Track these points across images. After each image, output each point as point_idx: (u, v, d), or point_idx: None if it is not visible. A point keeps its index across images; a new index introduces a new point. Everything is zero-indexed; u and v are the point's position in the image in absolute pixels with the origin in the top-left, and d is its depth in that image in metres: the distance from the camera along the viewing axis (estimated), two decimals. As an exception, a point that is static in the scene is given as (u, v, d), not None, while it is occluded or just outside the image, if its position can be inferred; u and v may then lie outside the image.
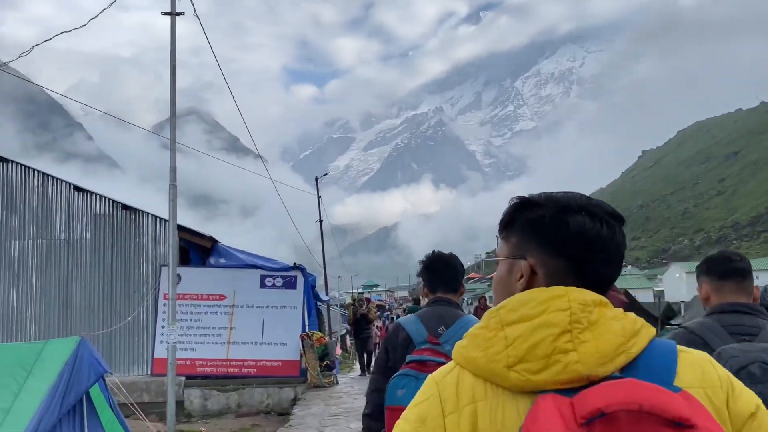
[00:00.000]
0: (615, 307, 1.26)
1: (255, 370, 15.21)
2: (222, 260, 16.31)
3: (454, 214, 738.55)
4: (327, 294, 31.19)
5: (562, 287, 1.24)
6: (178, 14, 12.70)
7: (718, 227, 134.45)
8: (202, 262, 16.36)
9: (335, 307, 39.70)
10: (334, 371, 16.77)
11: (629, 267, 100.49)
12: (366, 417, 3.34)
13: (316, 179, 35.84)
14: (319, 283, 25.40)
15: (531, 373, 1.16)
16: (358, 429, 6.54)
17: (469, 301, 48.66)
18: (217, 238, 16.62)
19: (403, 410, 1.33)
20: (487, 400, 1.21)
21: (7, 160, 15.70)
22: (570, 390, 1.14)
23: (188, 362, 14.98)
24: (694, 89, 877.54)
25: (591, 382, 1.14)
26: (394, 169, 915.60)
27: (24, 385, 7.66)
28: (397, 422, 1.31)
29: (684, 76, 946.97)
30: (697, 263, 3.11)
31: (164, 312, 14.58)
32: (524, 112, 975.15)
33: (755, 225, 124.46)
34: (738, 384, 1.24)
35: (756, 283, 2.98)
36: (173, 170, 12.31)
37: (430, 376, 1.33)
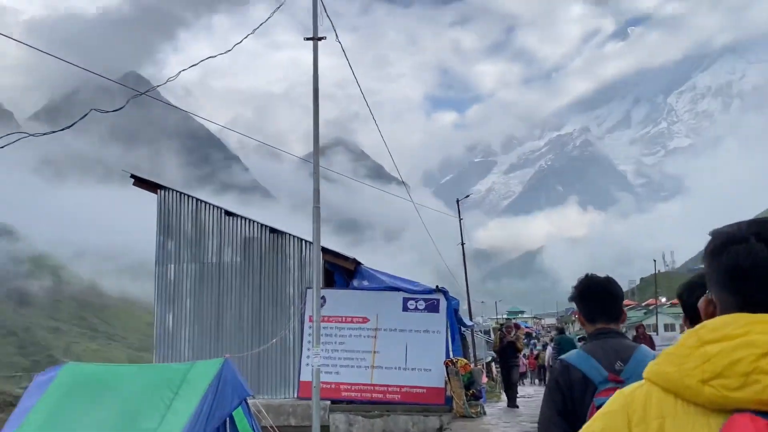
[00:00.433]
0: None
1: (399, 396, 14.82)
2: (365, 282, 16.17)
3: (604, 237, 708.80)
4: (471, 319, 30.43)
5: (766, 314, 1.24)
6: (320, 39, 12.94)
7: None
8: (346, 285, 16.32)
9: (479, 333, 38.76)
10: (481, 401, 16.00)
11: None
12: None
13: (458, 201, 35.41)
14: (463, 307, 24.77)
15: (728, 389, 1.16)
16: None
17: (624, 330, 45.85)
18: (362, 261, 16.54)
19: None
20: (676, 417, 1.21)
21: (164, 188, 16.56)
22: (765, 413, 1.13)
23: (333, 386, 14.85)
24: None
25: None
26: (537, 191, 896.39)
27: (171, 406, 7.69)
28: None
29: None
30: None
31: (310, 334, 14.59)
32: (679, 129, 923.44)
33: None
34: None
35: None
36: (316, 192, 12.34)
37: (618, 390, 1.36)
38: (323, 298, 14.56)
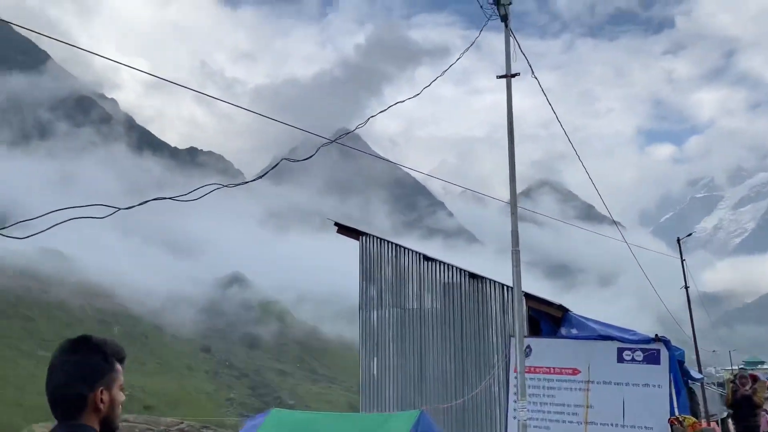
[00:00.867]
0: None
1: (616, 456, 13.42)
2: (574, 331, 15.04)
3: None
4: (700, 371, 27.38)
5: None
6: (513, 76, 12.62)
7: None
8: (554, 333, 15.33)
9: (711, 386, 34.85)
10: (716, 466, 14.01)
11: None
12: None
13: (678, 240, 32.50)
14: (690, 357, 22.28)
15: None
16: None
17: None
18: (573, 308, 15.49)
19: None
20: None
21: (365, 234, 16.89)
22: None
23: (542, 441, 13.86)
24: None
25: None
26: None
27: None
28: None
29: None
30: None
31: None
32: None
33: None
34: None
35: None
36: (515, 234, 11.77)
37: None
38: (528, 347, 13.76)
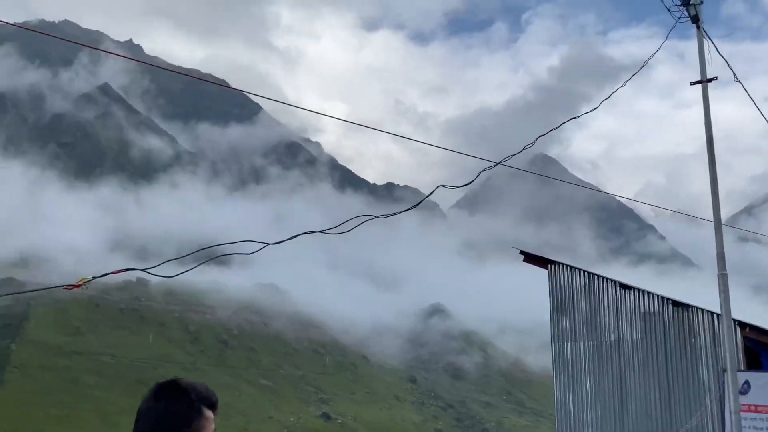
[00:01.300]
0: None
1: None
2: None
3: None
4: None
5: None
6: (709, 81, 11.56)
7: None
8: (778, 367, 13.51)
9: None
10: None
11: None
12: None
13: None
14: None
15: None
16: None
17: None
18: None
19: None
20: None
21: (554, 262, 16.17)
22: None
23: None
24: None
25: None
26: None
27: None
28: None
29: None
30: None
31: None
32: None
33: None
34: None
35: None
36: (720, 257, 10.65)
37: None
38: (746, 382, 12.26)
